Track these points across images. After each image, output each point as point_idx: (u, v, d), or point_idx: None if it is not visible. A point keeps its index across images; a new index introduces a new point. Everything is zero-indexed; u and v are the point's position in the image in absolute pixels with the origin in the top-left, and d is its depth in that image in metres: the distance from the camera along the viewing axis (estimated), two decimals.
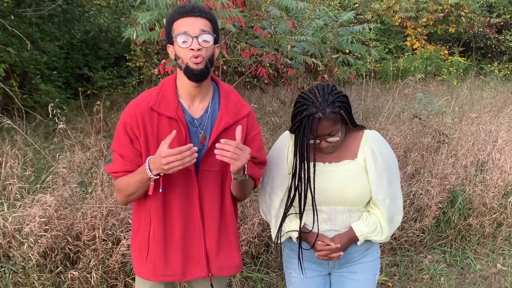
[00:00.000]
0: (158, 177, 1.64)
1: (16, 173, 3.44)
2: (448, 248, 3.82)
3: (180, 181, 1.72)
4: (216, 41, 1.65)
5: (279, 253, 1.97)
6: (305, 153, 1.69)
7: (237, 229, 1.94)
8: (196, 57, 1.58)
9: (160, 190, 1.69)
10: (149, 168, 1.61)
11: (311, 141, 1.69)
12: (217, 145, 1.56)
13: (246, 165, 1.64)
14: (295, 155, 1.74)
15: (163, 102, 1.66)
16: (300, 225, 1.79)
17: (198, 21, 1.60)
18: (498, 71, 11.66)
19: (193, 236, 1.79)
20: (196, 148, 1.56)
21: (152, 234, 1.78)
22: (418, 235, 3.75)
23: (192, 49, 1.57)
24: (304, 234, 1.81)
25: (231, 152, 1.56)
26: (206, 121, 1.73)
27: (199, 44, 1.58)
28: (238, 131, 1.60)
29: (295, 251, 1.93)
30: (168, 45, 1.67)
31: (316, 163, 1.74)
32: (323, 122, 1.63)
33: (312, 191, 1.73)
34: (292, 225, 1.85)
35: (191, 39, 1.58)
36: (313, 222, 1.79)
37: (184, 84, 1.67)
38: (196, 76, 1.61)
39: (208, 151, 1.72)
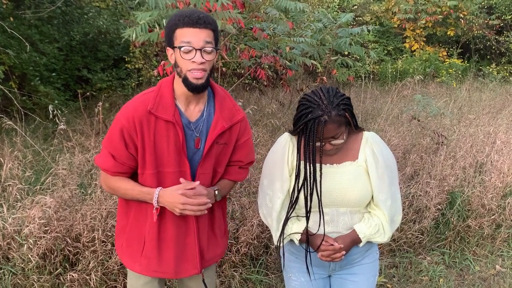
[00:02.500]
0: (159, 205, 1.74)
1: (17, 173, 3.43)
2: (447, 249, 3.82)
3: (176, 184, 1.74)
4: (217, 48, 1.66)
5: (282, 256, 1.97)
6: (311, 155, 1.69)
7: (223, 220, 2.03)
8: (198, 70, 1.59)
9: (155, 219, 1.78)
10: (157, 201, 1.70)
11: (316, 144, 1.69)
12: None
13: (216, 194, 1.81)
14: (299, 157, 1.74)
15: (161, 105, 1.67)
16: (306, 227, 1.79)
17: (202, 32, 1.59)
18: (497, 73, 11.67)
19: (187, 236, 1.83)
20: (210, 205, 1.69)
21: (148, 231, 1.81)
22: (417, 237, 3.75)
23: (195, 62, 1.58)
24: (308, 237, 1.82)
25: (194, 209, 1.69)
26: (202, 125, 1.75)
27: (202, 57, 1.58)
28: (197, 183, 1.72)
29: (295, 255, 1.93)
30: (168, 48, 1.67)
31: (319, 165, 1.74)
32: (328, 125, 1.64)
33: (319, 193, 1.73)
34: (294, 227, 1.84)
35: (194, 51, 1.58)
36: (319, 225, 1.79)
37: (181, 89, 1.68)
38: (195, 89, 1.63)
39: (204, 156, 1.75)
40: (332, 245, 1.77)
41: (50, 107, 3.74)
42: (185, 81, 1.62)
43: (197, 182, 1.68)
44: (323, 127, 1.64)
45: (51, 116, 3.73)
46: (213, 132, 1.73)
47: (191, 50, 1.57)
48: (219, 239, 1.98)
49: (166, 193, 1.68)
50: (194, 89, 1.62)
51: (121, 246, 1.91)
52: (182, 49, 1.58)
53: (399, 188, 1.87)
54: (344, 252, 1.78)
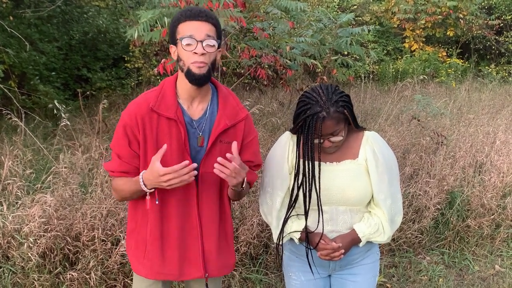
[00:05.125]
0: (152, 190, 1.68)
1: (18, 171, 3.43)
2: (446, 249, 3.83)
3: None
4: (219, 46, 1.67)
5: (280, 254, 1.97)
6: (310, 152, 1.69)
7: (233, 228, 1.99)
8: (199, 62, 1.60)
9: (157, 202, 1.73)
10: (144, 184, 1.65)
11: (315, 141, 1.69)
12: (218, 161, 1.58)
13: (244, 178, 1.67)
14: (298, 154, 1.75)
15: (163, 103, 1.68)
16: (306, 225, 1.79)
17: (204, 25, 1.61)
18: (496, 73, 11.69)
19: (190, 237, 1.81)
20: (195, 165, 1.58)
21: (150, 232, 1.80)
22: (416, 236, 3.76)
23: (196, 53, 1.59)
24: (308, 234, 1.82)
25: (230, 170, 1.59)
26: (205, 123, 1.75)
27: (204, 49, 1.60)
28: (234, 147, 1.62)
29: (296, 254, 1.93)
30: (171, 45, 1.68)
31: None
32: (327, 121, 1.64)
33: (318, 190, 1.73)
34: (294, 226, 1.85)
35: (195, 43, 1.59)
36: (318, 222, 1.79)
37: (184, 85, 1.69)
38: (197, 80, 1.63)
39: (207, 153, 1.74)
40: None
41: (55, 103, 3.75)
42: (188, 73, 1.62)
43: (186, 162, 1.57)
44: (321, 123, 1.64)
45: (54, 111, 3.73)
46: (216, 130, 1.73)
47: (192, 42, 1.59)
48: (231, 247, 1.94)
49: (147, 171, 1.63)
50: (197, 79, 1.62)
51: (131, 247, 1.91)
52: (183, 40, 1.59)
53: (399, 189, 1.87)
54: (343, 251, 1.77)
